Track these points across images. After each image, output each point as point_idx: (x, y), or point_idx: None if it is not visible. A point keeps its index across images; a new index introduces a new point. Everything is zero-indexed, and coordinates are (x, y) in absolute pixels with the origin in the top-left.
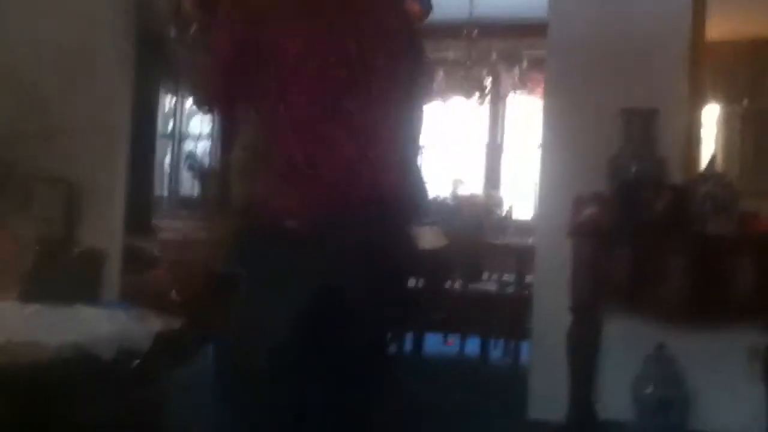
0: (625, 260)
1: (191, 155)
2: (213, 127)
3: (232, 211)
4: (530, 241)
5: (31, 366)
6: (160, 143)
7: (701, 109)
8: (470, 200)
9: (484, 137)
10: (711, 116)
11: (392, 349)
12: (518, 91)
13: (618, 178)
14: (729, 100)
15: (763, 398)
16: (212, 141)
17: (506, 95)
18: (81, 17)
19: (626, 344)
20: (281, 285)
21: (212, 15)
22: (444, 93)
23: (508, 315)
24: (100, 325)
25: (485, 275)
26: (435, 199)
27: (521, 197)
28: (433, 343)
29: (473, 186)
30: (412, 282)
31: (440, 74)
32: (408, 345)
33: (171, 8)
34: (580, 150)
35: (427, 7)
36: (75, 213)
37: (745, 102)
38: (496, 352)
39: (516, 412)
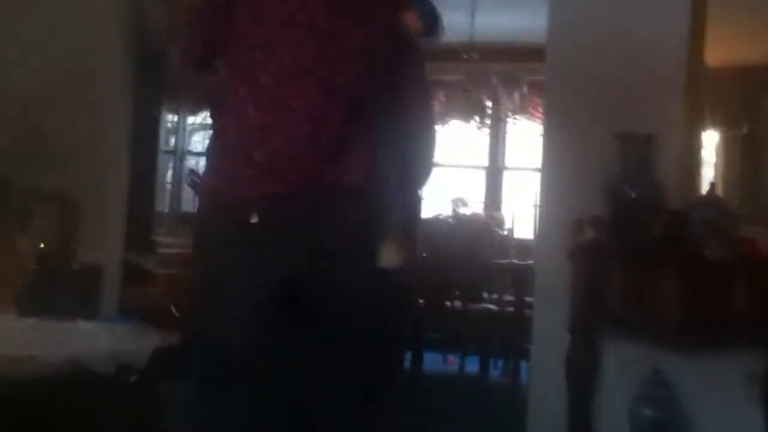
0: (623, 283)
1: (193, 172)
2: None
3: None
4: (530, 261)
5: (28, 380)
6: (161, 159)
7: (700, 134)
8: (472, 219)
9: (485, 159)
10: (710, 141)
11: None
12: (518, 116)
13: (616, 201)
14: (728, 125)
15: (761, 422)
16: None
17: (506, 118)
18: (82, 35)
19: (624, 365)
20: (236, 280)
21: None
22: (444, 116)
23: (508, 334)
24: (98, 339)
25: (485, 294)
26: (436, 218)
27: (522, 218)
28: (434, 361)
29: (475, 206)
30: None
31: (440, 97)
32: (408, 363)
33: (168, 27)
34: (579, 173)
35: (429, 28)
36: (74, 228)
37: (744, 127)
38: (495, 372)
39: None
